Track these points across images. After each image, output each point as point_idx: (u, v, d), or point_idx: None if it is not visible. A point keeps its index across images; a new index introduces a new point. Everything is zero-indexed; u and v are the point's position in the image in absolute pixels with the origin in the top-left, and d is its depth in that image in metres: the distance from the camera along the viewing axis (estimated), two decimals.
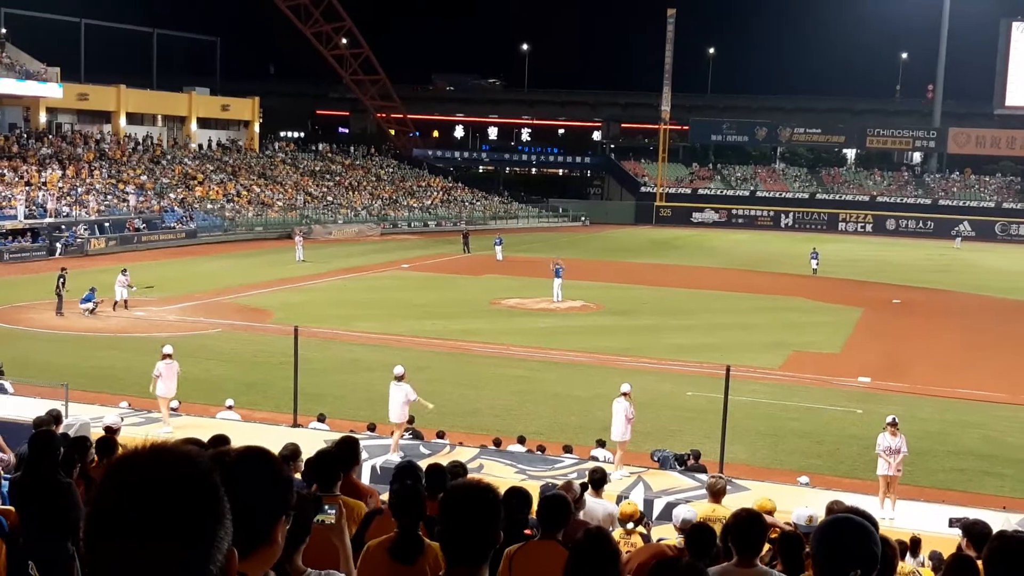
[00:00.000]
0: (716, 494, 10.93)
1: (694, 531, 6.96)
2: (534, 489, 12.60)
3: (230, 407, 22.10)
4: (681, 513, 9.39)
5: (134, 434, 15.77)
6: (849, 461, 21.51)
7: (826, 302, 45.42)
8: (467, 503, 3.66)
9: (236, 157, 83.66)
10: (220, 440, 8.42)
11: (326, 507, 5.73)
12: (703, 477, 18.81)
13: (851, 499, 15.21)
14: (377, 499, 7.84)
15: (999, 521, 13.74)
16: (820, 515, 9.28)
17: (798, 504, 11.96)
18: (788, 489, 17.70)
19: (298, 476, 11.00)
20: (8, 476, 9.12)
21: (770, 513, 9.98)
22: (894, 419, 17.78)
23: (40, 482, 7.19)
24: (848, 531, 3.77)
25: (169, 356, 21.17)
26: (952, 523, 11.84)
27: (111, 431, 12.18)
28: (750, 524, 5.81)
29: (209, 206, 70.56)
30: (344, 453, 7.68)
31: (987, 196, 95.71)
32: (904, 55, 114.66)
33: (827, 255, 59.80)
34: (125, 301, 37.14)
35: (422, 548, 5.53)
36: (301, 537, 3.80)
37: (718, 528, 9.01)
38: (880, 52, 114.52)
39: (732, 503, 12.23)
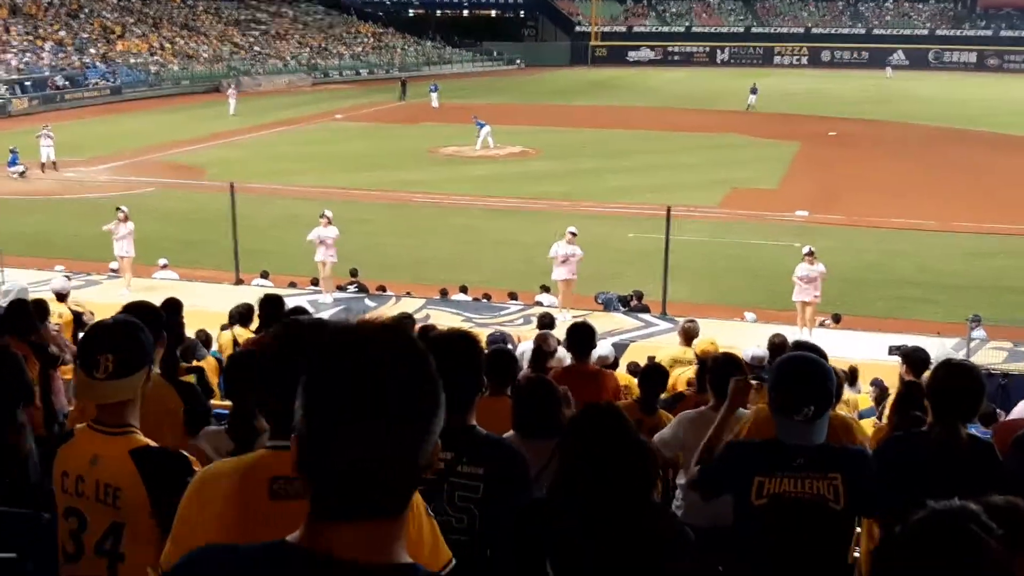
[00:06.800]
0: (688, 336, 11.00)
1: (648, 371, 7.08)
2: (480, 337, 12.72)
3: (164, 266, 21.83)
4: (599, 351, 9.49)
5: (76, 297, 15.52)
6: (788, 294, 21.87)
7: (763, 138, 45.56)
8: (446, 351, 3.67)
9: (157, 8, 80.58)
10: (173, 304, 8.30)
11: None
12: (647, 317, 19.15)
13: (790, 330, 15.59)
14: None
15: (934, 346, 14.17)
16: (768, 354, 9.48)
17: (745, 340, 12.21)
18: (733, 325, 18.10)
19: (248, 334, 10.97)
20: None
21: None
22: (810, 249, 18.81)
23: None
24: (807, 370, 3.86)
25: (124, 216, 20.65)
26: (892, 351, 12.22)
27: (61, 296, 11.98)
28: (726, 367, 5.89)
29: (132, 60, 68.24)
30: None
31: (920, 24, 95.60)
32: None
33: (763, 89, 59.66)
34: (54, 163, 36.15)
35: None
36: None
37: (690, 370, 9.20)
38: None
39: (676, 341, 12.46)
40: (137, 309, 4.80)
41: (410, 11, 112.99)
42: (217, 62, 73.48)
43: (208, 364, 9.57)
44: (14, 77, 58.11)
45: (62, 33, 67.73)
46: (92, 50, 66.96)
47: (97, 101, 60.15)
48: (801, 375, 3.88)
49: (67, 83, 60.60)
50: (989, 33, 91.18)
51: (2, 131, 41.47)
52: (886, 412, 8.94)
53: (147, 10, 79.09)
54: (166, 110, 57.34)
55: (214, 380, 8.51)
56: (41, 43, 64.54)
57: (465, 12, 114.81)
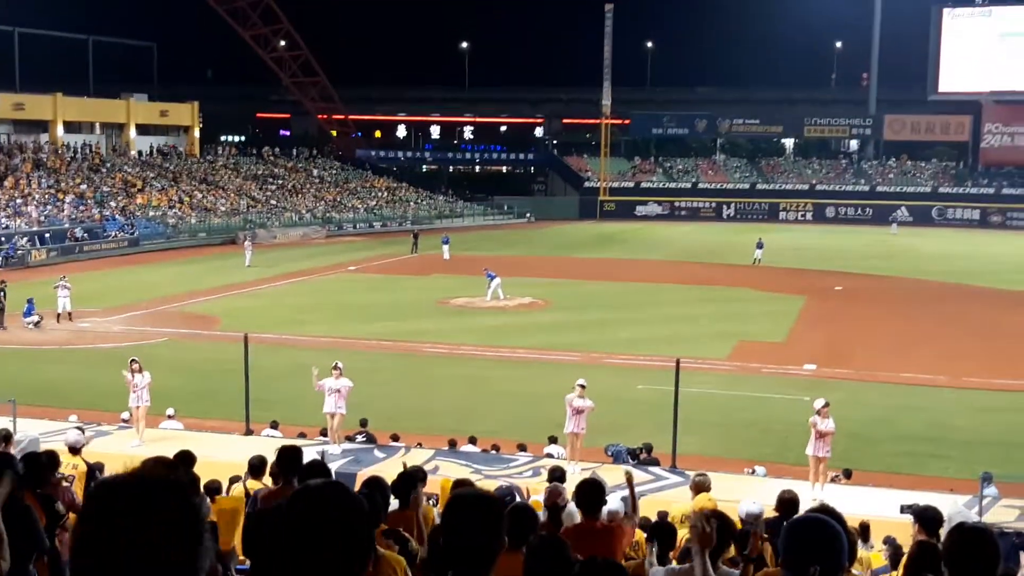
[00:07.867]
0: (699, 491, 11.00)
1: (655, 529, 7.10)
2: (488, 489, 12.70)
3: (171, 416, 21.84)
4: (609, 506, 9.51)
5: (86, 449, 15.55)
6: (798, 448, 21.72)
7: (770, 291, 45.99)
8: (471, 512, 3.77)
9: (177, 163, 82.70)
10: (187, 457, 8.39)
11: None
12: (657, 470, 19.05)
13: (800, 486, 15.51)
14: None
15: (947, 503, 14.08)
16: (764, 510, 9.48)
17: (755, 495, 12.17)
18: (743, 479, 18.00)
19: (263, 485, 10.99)
20: None
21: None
22: (825, 402, 18.45)
23: None
24: (815, 530, 3.94)
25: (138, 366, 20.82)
26: (903, 510, 12.14)
27: (75, 450, 11.91)
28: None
29: (151, 213, 69.72)
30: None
31: (923, 181, 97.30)
32: (839, 44, 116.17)
33: (769, 244, 60.49)
34: (69, 313, 36.61)
35: (375, 557, 5.51)
36: None
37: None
38: (815, 42, 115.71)
39: (687, 495, 12.43)
40: (155, 465, 4.91)
41: (423, 167, 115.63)
42: (234, 215, 74.96)
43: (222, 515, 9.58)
44: (34, 229, 59.36)
45: (83, 187, 69.44)
46: (112, 203, 68.49)
47: (115, 252, 61.19)
48: (809, 535, 3.95)
49: (86, 235, 61.82)
50: (991, 191, 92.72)
51: (20, 281, 42.15)
52: (899, 573, 8.89)
53: (167, 165, 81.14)
54: (182, 261, 58.25)
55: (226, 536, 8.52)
56: (63, 196, 66.13)
57: (477, 168, 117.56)
